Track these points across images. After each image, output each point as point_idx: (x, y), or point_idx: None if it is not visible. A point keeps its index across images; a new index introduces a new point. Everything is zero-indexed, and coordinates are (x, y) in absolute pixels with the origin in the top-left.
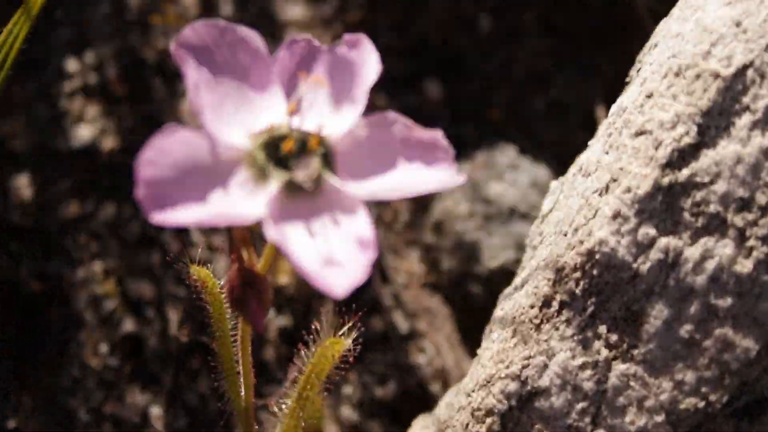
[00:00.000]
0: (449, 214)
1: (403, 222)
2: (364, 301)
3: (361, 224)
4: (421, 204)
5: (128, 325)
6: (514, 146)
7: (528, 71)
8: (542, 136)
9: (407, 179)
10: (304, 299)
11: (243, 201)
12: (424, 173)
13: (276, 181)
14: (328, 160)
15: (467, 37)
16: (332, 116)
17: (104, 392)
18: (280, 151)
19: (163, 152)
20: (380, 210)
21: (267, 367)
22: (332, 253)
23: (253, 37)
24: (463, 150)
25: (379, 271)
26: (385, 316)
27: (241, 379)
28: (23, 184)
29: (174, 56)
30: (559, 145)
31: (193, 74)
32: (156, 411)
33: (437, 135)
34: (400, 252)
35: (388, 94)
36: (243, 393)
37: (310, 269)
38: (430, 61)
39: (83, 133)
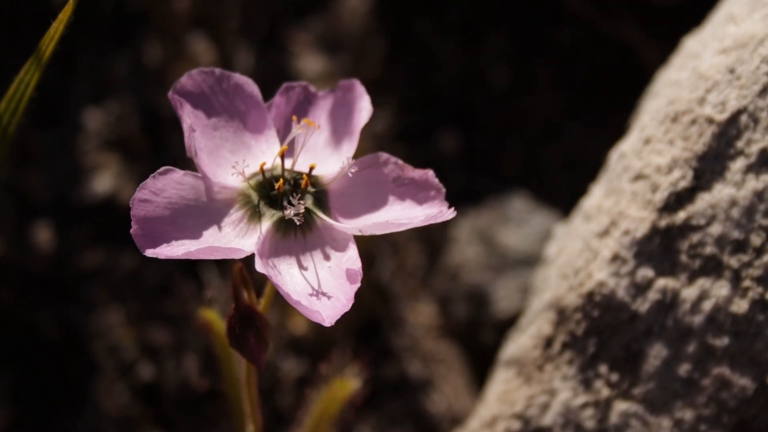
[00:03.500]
0: (463, 263)
1: (417, 270)
2: (379, 349)
3: (350, 258)
4: (435, 252)
5: (146, 373)
6: (528, 196)
7: (542, 123)
8: (556, 186)
9: (398, 216)
10: (322, 347)
11: (235, 238)
12: (416, 210)
13: (268, 218)
14: (321, 198)
15: (482, 90)
16: (325, 156)
17: None
18: (272, 191)
19: (157, 192)
20: (395, 258)
21: (284, 415)
22: (321, 285)
23: (248, 83)
24: (477, 200)
25: (394, 318)
26: (399, 363)
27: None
28: (42, 235)
29: (171, 102)
30: (572, 195)
31: (189, 119)
32: None
33: (428, 173)
34: (414, 299)
35: (405, 145)
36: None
37: (298, 300)
38: (446, 114)
39: (102, 184)
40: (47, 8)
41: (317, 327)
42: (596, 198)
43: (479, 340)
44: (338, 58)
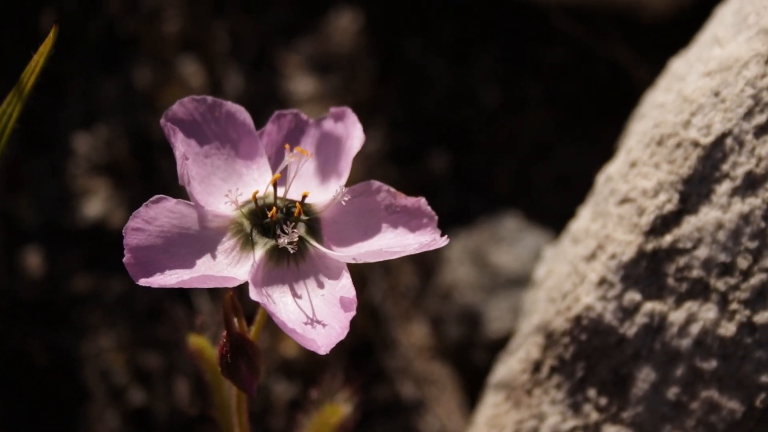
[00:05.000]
0: (455, 283)
1: (410, 291)
2: (371, 370)
3: (344, 286)
4: (428, 273)
5: (137, 398)
6: (519, 216)
7: (533, 143)
8: (547, 205)
9: (391, 243)
10: (313, 370)
11: (228, 266)
12: (409, 238)
13: (261, 247)
14: (313, 226)
15: (472, 110)
16: (317, 184)
17: None
18: (265, 219)
19: (149, 221)
20: (387, 279)
21: None
22: (315, 313)
23: (240, 111)
24: (468, 220)
25: (386, 339)
26: (392, 384)
27: None
28: (32, 260)
29: (163, 129)
30: (563, 213)
31: (182, 147)
32: None
33: (421, 201)
34: (406, 320)
35: (395, 166)
36: None
37: (293, 328)
38: (436, 133)
39: (92, 209)
40: (35, 34)
41: (308, 349)
42: (583, 221)
43: (472, 360)
44: (328, 80)
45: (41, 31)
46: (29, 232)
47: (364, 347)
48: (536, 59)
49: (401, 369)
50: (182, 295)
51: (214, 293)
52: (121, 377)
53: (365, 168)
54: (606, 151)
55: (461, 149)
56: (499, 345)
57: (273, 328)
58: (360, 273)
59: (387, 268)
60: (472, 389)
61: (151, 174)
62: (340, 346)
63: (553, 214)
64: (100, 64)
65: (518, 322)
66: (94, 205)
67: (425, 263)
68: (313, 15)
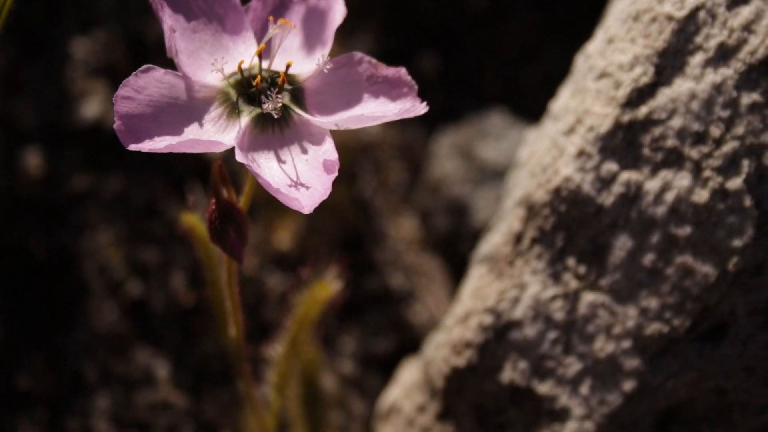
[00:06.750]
0: (443, 177)
1: (399, 186)
2: (362, 263)
3: (327, 150)
4: (416, 170)
5: (135, 291)
6: (506, 113)
7: (520, 45)
8: (533, 103)
9: (372, 111)
10: (305, 262)
11: (216, 133)
12: (390, 106)
13: (247, 114)
14: (297, 95)
15: (460, 12)
16: (301, 57)
17: (111, 354)
18: (250, 89)
19: (139, 90)
20: (376, 175)
21: (269, 328)
22: (299, 176)
23: None
24: (456, 118)
25: (376, 233)
26: (382, 276)
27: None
28: (32, 159)
29: (151, 5)
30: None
31: (169, 21)
32: (161, 371)
33: (401, 71)
34: (396, 214)
35: None
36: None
37: (277, 188)
38: (424, 36)
39: (90, 110)
40: None
41: (301, 242)
42: (563, 99)
43: (459, 251)
44: None
45: None
46: (28, 133)
47: (355, 241)
48: None
49: (391, 261)
50: (176, 189)
51: (207, 184)
52: (119, 271)
53: None
54: None
55: (450, 52)
56: (485, 235)
57: (265, 221)
58: (349, 169)
59: (377, 164)
60: (460, 279)
61: None
62: (332, 238)
63: (540, 110)
64: None
65: (501, 203)
66: (92, 107)
67: (414, 160)
68: None
